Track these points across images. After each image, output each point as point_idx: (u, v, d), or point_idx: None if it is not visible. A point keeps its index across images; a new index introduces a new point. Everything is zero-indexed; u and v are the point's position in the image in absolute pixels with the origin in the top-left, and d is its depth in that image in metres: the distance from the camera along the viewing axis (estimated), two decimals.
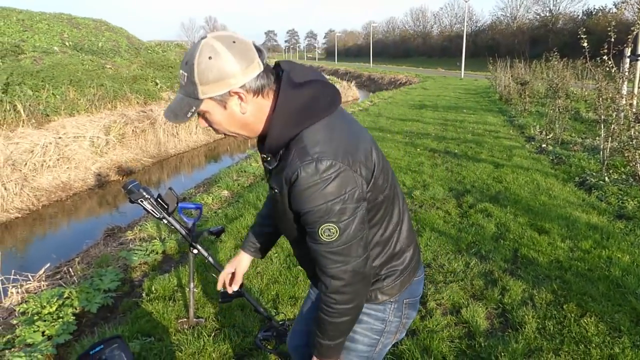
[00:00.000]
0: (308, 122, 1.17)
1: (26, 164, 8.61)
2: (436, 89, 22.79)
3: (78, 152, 9.79)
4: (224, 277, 1.73)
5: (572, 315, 2.95)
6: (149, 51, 20.08)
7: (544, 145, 7.97)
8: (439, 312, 3.06)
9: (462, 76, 32.95)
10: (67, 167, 9.26)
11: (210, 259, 2.86)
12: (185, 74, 1.16)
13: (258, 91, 1.19)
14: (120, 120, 11.31)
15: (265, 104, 1.22)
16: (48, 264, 4.66)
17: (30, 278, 4.23)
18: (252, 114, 1.22)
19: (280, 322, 2.85)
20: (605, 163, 6.12)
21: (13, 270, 4.19)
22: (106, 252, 4.68)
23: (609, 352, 2.59)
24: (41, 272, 4.47)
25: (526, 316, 2.96)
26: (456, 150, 7.88)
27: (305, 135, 1.17)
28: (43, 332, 2.97)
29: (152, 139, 11.76)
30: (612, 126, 6.05)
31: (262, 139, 1.29)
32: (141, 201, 2.74)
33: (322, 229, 1.17)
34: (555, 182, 5.88)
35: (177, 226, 2.82)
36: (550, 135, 8.47)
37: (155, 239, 4.51)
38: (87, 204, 8.57)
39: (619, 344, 2.64)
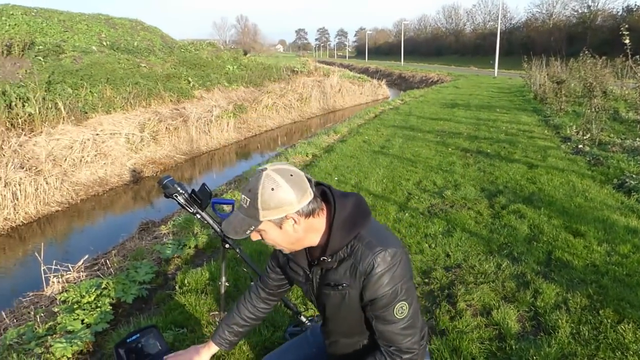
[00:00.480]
0: (361, 224, 1.43)
1: (66, 159, 8.96)
2: (469, 87, 22.40)
3: (114, 148, 10.11)
4: None
5: (609, 321, 2.87)
6: (182, 50, 20.48)
7: (580, 146, 7.73)
8: (469, 313, 3.03)
9: (496, 75, 32.24)
10: (104, 163, 9.58)
11: (241, 254, 2.91)
12: (249, 199, 1.37)
13: (309, 214, 1.40)
14: (154, 117, 11.60)
15: (316, 222, 1.43)
16: (86, 256, 4.84)
17: (70, 268, 4.40)
18: (304, 231, 1.42)
19: (309, 318, 2.88)
20: None
21: (54, 261, 4.37)
22: (141, 246, 4.83)
23: None
24: (80, 263, 4.65)
25: (560, 320, 2.89)
26: (489, 150, 7.74)
27: (364, 234, 1.42)
28: (82, 320, 3.09)
29: (184, 136, 12.02)
30: None
31: (307, 250, 1.53)
32: (175, 196, 2.82)
33: (396, 308, 1.40)
34: (592, 183, 5.71)
35: (210, 221, 2.88)
36: (587, 136, 8.21)
37: (188, 233, 4.62)
38: (122, 199, 8.85)
39: None
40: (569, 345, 2.67)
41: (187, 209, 2.84)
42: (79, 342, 2.85)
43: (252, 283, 1.90)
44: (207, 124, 12.91)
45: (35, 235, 6.90)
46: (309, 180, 1.41)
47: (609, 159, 6.78)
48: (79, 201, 8.30)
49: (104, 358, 2.81)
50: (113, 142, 10.23)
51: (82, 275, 4.36)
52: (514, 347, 2.66)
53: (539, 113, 12.33)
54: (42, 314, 3.49)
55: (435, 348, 2.64)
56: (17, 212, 7.21)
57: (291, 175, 1.37)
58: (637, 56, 6.04)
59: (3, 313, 3.79)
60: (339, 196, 1.46)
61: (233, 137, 13.47)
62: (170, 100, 13.54)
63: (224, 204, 3.08)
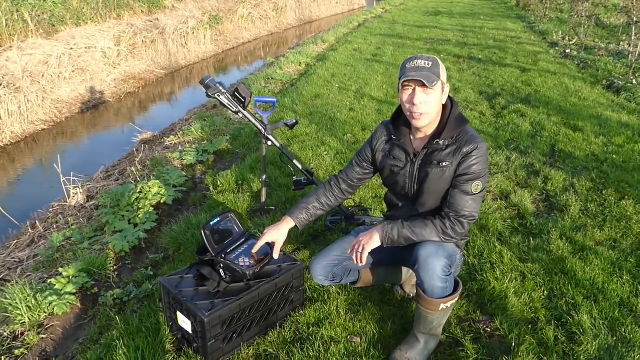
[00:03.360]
0: (466, 124, 1.86)
1: (43, 75, 8.56)
2: None
3: (91, 63, 9.66)
4: (261, 244, 2.07)
5: (612, 198, 3.23)
6: None
7: (568, 51, 7.93)
8: (490, 198, 3.33)
9: None
10: (83, 79, 9.21)
11: (283, 149, 3.06)
12: (431, 62, 1.76)
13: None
14: (129, 30, 11.01)
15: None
16: (102, 167, 4.90)
17: (85, 180, 4.47)
18: (441, 107, 1.83)
19: (347, 208, 3.13)
20: (633, 66, 6.17)
21: (72, 172, 4.40)
22: (154, 156, 4.89)
23: None
24: (98, 173, 4.72)
25: (569, 200, 3.24)
26: (480, 56, 7.84)
27: (468, 129, 1.85)
28: (129, 221, 3.25)
29: (162, 49, 11.54)
30: None
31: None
32: (218, 95, 2.88)
33: (474, 183, 1.80)
34: (584, 85, 5.98)
35: (253, 119, 2.98)
36: (574, 41, 8.38)
37: (204, 141, 4.69)
38: (107, 115, 8.64)
39: None
40: (579, 219, 3.02)
41: (229, 108, 2.92)
42: (134, 239, 3.02)
43: (332, 175, 2.23)
44: (184, 37, 12.37)
45: (24, 153, 6.78)
46: None
47: (597, 62, 7.03)
48: (63, 119, 8.07)
49: (159, 252, 3.01)
50: (89, 56, 9.75)
51: (101, 185, 4.45)
52: (533, 223, 3.00)
53: (523, 20, 12.33)
54: (81, 219, 3.62)
55: None
56: (3, 132, 7.02)
57: None
58: None
59: (37, 222, 3.89)
60: (454, 99, 1.91)
61: (211, 50, 13.02)
62: (142, 11, 12.80)
63: (267, 102, 3.16)
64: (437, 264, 1.76)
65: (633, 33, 6.31)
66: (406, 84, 1.77)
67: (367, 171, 2.12)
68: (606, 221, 2.99)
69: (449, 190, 1.84)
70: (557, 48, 8.37)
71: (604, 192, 3.33)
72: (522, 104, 5.22)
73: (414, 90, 1.76)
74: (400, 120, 1.95)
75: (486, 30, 10.66)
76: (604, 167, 3.69)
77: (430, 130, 1.87)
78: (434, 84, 1.72)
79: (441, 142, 1.81)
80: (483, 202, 3.25)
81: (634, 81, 5.82)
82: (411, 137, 1.93)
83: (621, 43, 7.88)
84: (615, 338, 1.99)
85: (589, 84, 6.02)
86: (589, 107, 5.09)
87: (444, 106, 1.86)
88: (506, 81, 6.24)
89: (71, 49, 9.58)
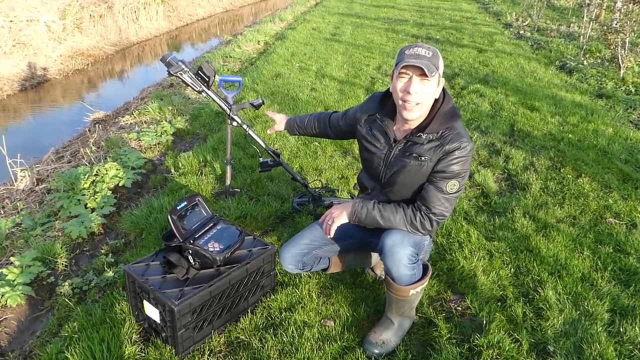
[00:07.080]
0: (456, 120, 1.77)
1: None
2: None
3: (34, 37, 9.04)
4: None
5: (570, 176, 3.36)
6: None
7: (522, 32, 8.13)
8: None
9: None
10: (25, 54, 8.62)
11: (249, 130, 2.96)
12: (431, 53, 1.68)
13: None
14: (75, 2, 10.36)
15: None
16: (52, 148, 4.61)
17: (33, 162, 4.20)
18: (433, 100, 1.75)
19: (315, 189, 3.08)
20: (584, 48, 6.40)
21: (18, 154, 4.12)
22: (109, 136, 4.64)
23: (604, 203, 3.03)
24: (48, 155, 4.44)
25: (530, 179, 3.33)
26: (438, 36, 7.90)
27: (456, 126, 1.76)
28: (85, 205, 3.07)
29: (111, 24, 10.96)
30: (595, 10, 6.24)
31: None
32: (180, 74, 2.74)
33: (450, 182, 1.74)
34: (538, 65, 6.15)
35: (217, 99, 2.86)
36: (527, 22, 8.59)
37: (162, 121, 4.49)
38: (54, 93, 8.14)
39: (612, 197, 3.09)
40: (540, 197, 3.12)
41: (193, 87, 2.79)
42: (92, 224, 2.86)
43: (331, 112, 2.34)
44: (135, 12, 11.78)
45: None
46: None
47: (549, 43, 7.25)
48: (5, 97, 7.54)
49: (119, 237, 2.87)
50: (32, 30, 9.12)
51: (52, 168, 4.19)
52: (497, 201, 3.07)
53: (477, 0, 12.52)
54: (31, 204, 3.39)
55: None
56: None
57: None
58: None
59: None
60: (449, 95, 1.83)
61: (164, 27, 12.48)
62: None
63: (232, 81, 3.04)
64: (403, 252, 1.76)
65: (585, 15, 6.52)
66: (403, 71, 1.67)
67: (347, 131, 2.16)
68: (565, 198, 3.10)
69: (424, 184, 1.79)
70: (511, 29, 8.57)
71: (561, 170, 3.45)
72: (480, 84, 5.32)
73: (410, 78, 1.66)
74: (389, 102, 1.87)
75: (442, 10, 10.76)
76: (560, 146, 3.82)
77: (416, 124, 1.79)
78: (433, 74, 1.64)
79: (424, 137, 1.75)
80: None
81: (585, 62, 6.05)
82: (395, 123, 1.86)
83: (571, 25, 8.16)
84: (578, 312, 2.08)
85: (543, 65, 6.21)
86: (544, 87, 5.25)
87: (435, 100, 1.77)
88: (464, 61, 6.33)
89: (11, 21, 8.93)
